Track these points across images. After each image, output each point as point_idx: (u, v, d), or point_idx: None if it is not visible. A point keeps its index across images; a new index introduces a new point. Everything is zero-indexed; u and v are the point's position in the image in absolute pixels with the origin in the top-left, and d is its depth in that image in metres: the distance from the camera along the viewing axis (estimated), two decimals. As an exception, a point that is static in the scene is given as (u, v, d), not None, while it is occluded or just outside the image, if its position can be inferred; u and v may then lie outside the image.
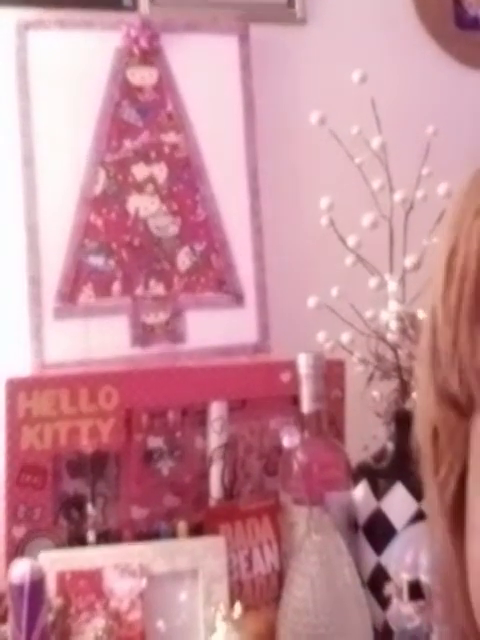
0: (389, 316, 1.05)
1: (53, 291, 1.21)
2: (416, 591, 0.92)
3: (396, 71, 1.30)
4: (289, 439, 1.04)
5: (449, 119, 1.26)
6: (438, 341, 0.33)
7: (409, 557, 0.93)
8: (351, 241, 1.07)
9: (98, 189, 1.24)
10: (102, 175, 1.24)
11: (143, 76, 1.28)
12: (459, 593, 0.33)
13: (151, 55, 1.28)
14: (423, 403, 0.36)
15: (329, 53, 1.33)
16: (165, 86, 1.28)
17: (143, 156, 1.26)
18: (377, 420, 1.08)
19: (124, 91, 1.27)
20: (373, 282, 1.07)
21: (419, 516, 1.00)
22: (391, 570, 0.96)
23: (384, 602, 0.97)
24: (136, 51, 1.27)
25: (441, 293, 0.33)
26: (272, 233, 1.28)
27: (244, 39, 1.30)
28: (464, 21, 1.39)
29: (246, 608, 0.93)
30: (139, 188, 1.26)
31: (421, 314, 1.04)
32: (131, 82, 1.27)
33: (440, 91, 1.35)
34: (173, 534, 1.02)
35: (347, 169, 1.09)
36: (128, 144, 1.26)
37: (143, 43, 1.27)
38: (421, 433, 0.36)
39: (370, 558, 1.01)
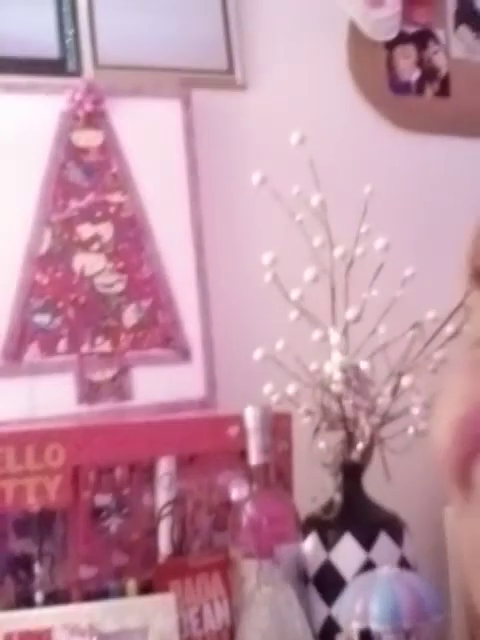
0: (333, 367, 1.07)
1: (-2, 349, 1.21)
2: (367, 640, 0.92)
3: (333, 133, 1.35)
4: (237, 492, 1.04)
5: (385, 178, 1.31)
6: None
7: (359, 606, 0.93)
8: (294, 295, 1.10)
9: (44, 248, 1.25)
10: (48, 234, 1.26)
11: (88, 138, 1.31)
12: None
13: (96, 118, 1.31)
14: None
15: (269, 117, 1.37)
16: (110, 148, 1.31)
17: (89, 216, 1.28)
18: (324, 471, 1.09)
19: (69, 153, 1.29)
20: (316, 334, 1.09)
21: (368, 565, 1.01)
22: (342, 620, 0.96)
23: (336, 654, 0.97)
24: (81, 114, 1.29)
25: None
26: (217, 289, 1.30)
27: (186, 103, 1.34)
28: (397, 86, 1.45)
29: (197, 665, 0.92)
30: (85, 247, 1.27)
31: (363, 365, 1.07)
32: (76, 144, 1.30)
33: (376, 152, 1.40)
34: (122, 592, 1.00)
35: (288, 226, 1.12)
36: (74, 204, 1.28)
37: (88, 107, 1.30)
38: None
39: (321, 610, 1.01)
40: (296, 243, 1.11)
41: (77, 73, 1.32)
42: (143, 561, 1.04)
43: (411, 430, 1.07)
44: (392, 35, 1.43)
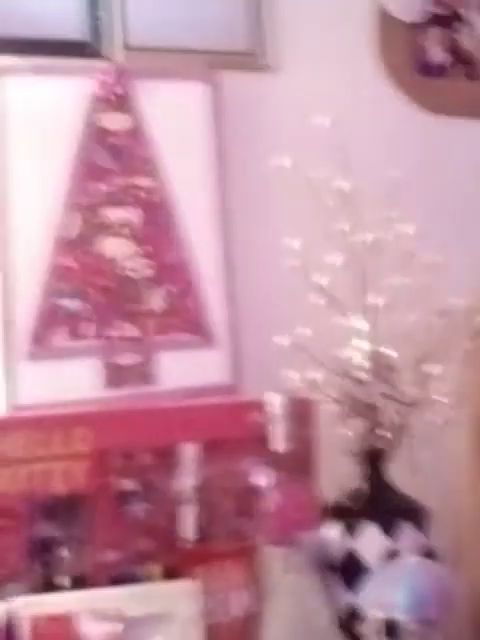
0: (360, 355, 1.06)
1: (27, 333, 1.21)
2: (392, 630, 0.92)
3: (362, 117, 1.33)
4: (262, 479, 1.04)
5: (413, 163, 1.29)
6: None
7: (384, 595, 0.93)
8: (321, 281, 1.09)
9: (72, 232, 1.25)
10: (76, 218, 1.26)
11: (117, 122, 1.30)
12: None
13: (125, 101, 1.30)
14: None
15: (297, 100, 1.36)
16: (138, 131, 1.30)
17: (117, 200, 1.28)
18: (349, 459, 1.09)
19: (98, 136, 1.28)
20: (343, 321, 1.08)
21: (392, 554, 1.00)
22: (366, 609, 0.96)
23: (358, 642, 0.97)
24: (110, 97, 1.29)
25: None
26: (244, 274, 1.29)
27: (215, 86, 1.33)
28: (425, 68, 1.43)
29: (221, 651, 0.92)
30: (113, 231, 1.27)
31: (390, 353, 1.06)
32: (105, 127, 1.29)
33: (404, 136, 1.38)
34: (147, 578, 1.01)
35: (316, 212, 1.11)
36: (102, 188, 1.27)
37: (118, 90, 1.30)
38: None
39: (343, 598, 1.01)
40: (323, 228, 1.10)
41: (107, 55, 1.31)
42: (167, 547, 1.04)
43: (439, 419, 1.06)
44: (420, 16, 1.41)
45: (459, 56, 1.45)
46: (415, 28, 1.42)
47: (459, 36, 1.45)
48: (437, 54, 1.44)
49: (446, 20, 1.45)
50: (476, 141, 1.40)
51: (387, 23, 1.39)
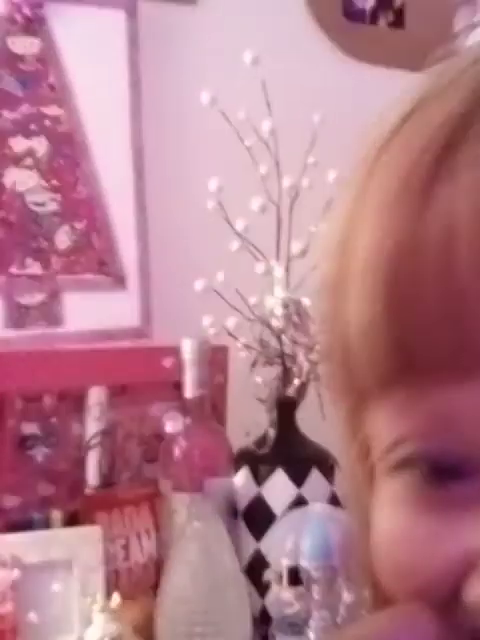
0: (274, 302, 1.04)
1: None
2: (295, 577, 0.92)
3: (284, 57, 1.29)
4: (171, 425, 1.02)
5: (335, 108, 1.26)
6: None
7: (289, 543, 0.92)
8: (239, 225, 1.06)
9: (-27, 160, 1.18)
10: (-23, 146, 1.18)
11: (25, 45, 1.22)
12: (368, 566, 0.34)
13: (34, 24, 1.22)
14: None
15: (218, 35, 1.31)
16: (48, 57, 1.22)
17: (22, 128, 1.21)
18: (259, 406, 1.07)
19: (4, 59, 1.20)
20: (259, 268, 1.06)
21: (299, 502, 1.00)
22: (270, 556, 0.96)
23: (263, 589, 0.97)
24: (18, 19, 1.21)
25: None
26: (157, 214, 1.25)
27: (132, 14, 1.26)
28: (351, 13, 1.40)
29: (123, 598, 0.90)
30: (17, 161, 1.20)
31: (306, 301, 1.04)
32: (12, 50, 1.21)
33: (327, 79, 1.35)
34: (47, 524, 0.97)
35: (236, 152, 1.07)
36: (7, 115, 1.20)
37: (26, 10, 1.21)
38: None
39: (249, 544, 1.01)
40: (243, 170, 1.07)
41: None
42: (70, 492, 1.01)
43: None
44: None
45: (385, 3, 1.43)
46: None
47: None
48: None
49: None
50: (398, 90, 1.38)
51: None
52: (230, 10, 1.31)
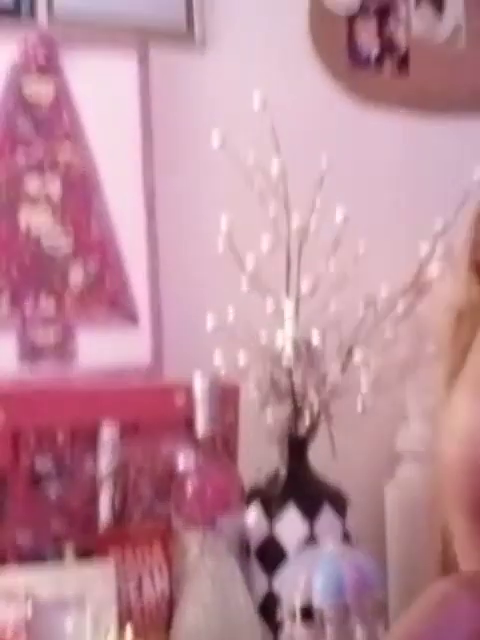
0: (284, 340, 1.06)
1: None
2: (308, 615, 0.92)
3: (292, 101, 1.32)
4: (183, 462, 1.02)
5: (342, 150, 1.29)
6: None
7: (302, 581, 0.93)
8: (248, 264, 1.07)
9: (-12, 202, 1.20)
10: (-7, 187, 1.20)
11: (40, 90, 1.25)
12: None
13: (49, 70, 1.25)
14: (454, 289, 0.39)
15: (227, 79, 1.34)
16: (62, 101, 1.26)
17: (37, 170, 1.23)
18: (271, 444, 1.08)
19: (20, 104, 1.23)
20: (269, 305, 1.07)
21: (311, 539, 1.00)
22: (283, 594, 0.96)
23: (275, 627, 0.97)
24: (33, 66, 1.24)
25: None
26: (168, 253, 1.27)
27: (143, 59, 1.29)
28: (357, 59, 1.43)
29: (135, 635, 0.91)
30: (32, 204, 1.22)
31: (315, 339, 1.06)
32: (27, 96, 1.24)
33: (334, 122, 1.38)
34: (60, 558, 0.98)
35: (245, 193, 1.09)
36: (22, 158, 1.22)
37: (40, 58, 1.25)
38: (446, 317, 0.39)
39: (262, 582, 1.01)
40: (252, 211, 1.09)
41: (30, 22, 1.26)
42: (83, 528, 1.01)
43: (359, 407, 1.06)
44: (353, 10, 1.41)
45: (390, 49, 1.46)
46: (348, 17, 1.42)
47: (391, 29, 1.46)
48: (369, 45, 1.44)
49: (380, 12, 1.45)
50: (403, 134, 1.41)
51: (320, 9, 1.38)
52: (239, 55, 1.35)
